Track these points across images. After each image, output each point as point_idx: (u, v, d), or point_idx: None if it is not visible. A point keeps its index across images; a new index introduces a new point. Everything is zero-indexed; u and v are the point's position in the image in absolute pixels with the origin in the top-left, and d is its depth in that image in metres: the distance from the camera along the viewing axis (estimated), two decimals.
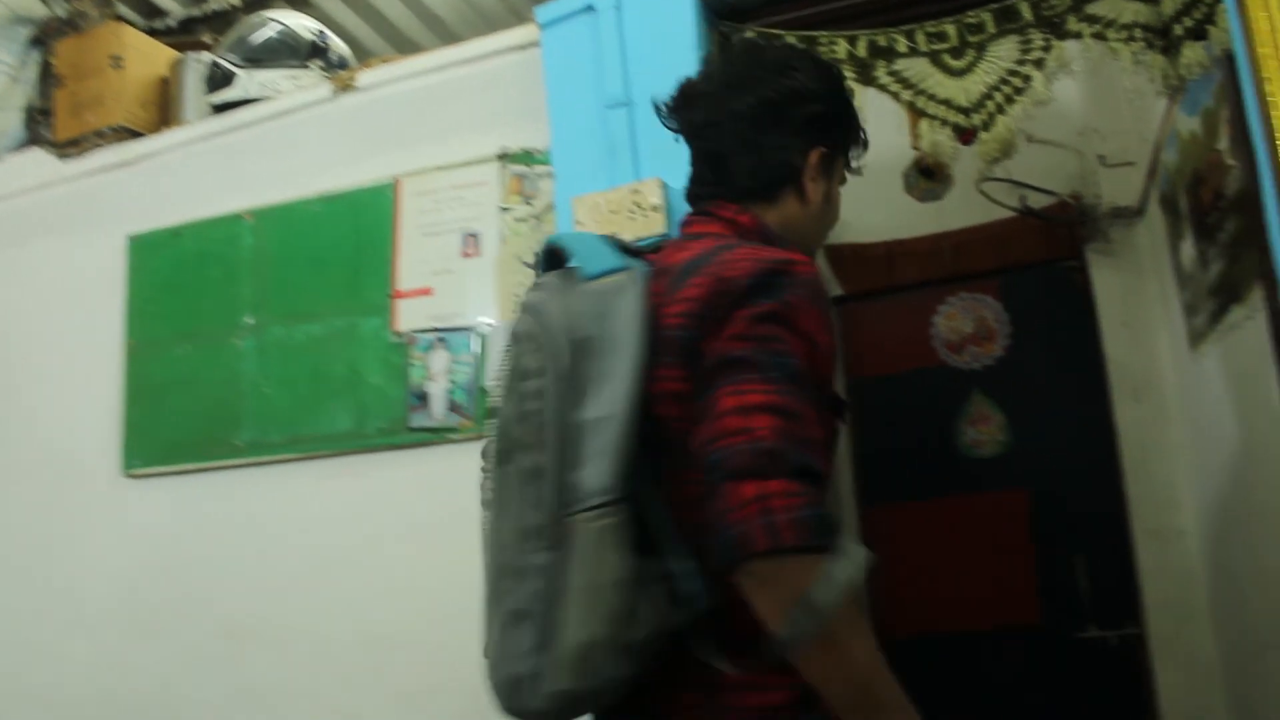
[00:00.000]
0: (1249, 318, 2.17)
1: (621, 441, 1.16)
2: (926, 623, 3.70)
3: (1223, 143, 2.15)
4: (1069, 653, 3.42)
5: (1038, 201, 3.59)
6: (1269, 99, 1.26)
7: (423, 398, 2.49)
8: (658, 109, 1.51)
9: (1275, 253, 1.49)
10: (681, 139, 1.49)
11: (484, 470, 1.32)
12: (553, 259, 1.38)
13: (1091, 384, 3.51)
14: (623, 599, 1.13)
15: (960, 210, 3.74)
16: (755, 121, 1.39)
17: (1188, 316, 2.83)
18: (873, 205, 3.91)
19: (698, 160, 1.47)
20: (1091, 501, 3.45)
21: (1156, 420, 3.39)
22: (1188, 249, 2.64)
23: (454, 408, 2.46)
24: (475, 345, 2.48)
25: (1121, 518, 3.39)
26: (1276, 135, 1.25)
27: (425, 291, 2.55)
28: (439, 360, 2.50)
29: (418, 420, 2.49)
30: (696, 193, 1.48)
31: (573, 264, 1.31)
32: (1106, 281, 3.55)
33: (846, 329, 3.96)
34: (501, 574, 1.22)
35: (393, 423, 2.52)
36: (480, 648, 1.27)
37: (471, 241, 2.53)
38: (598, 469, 1.15)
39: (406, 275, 2.57)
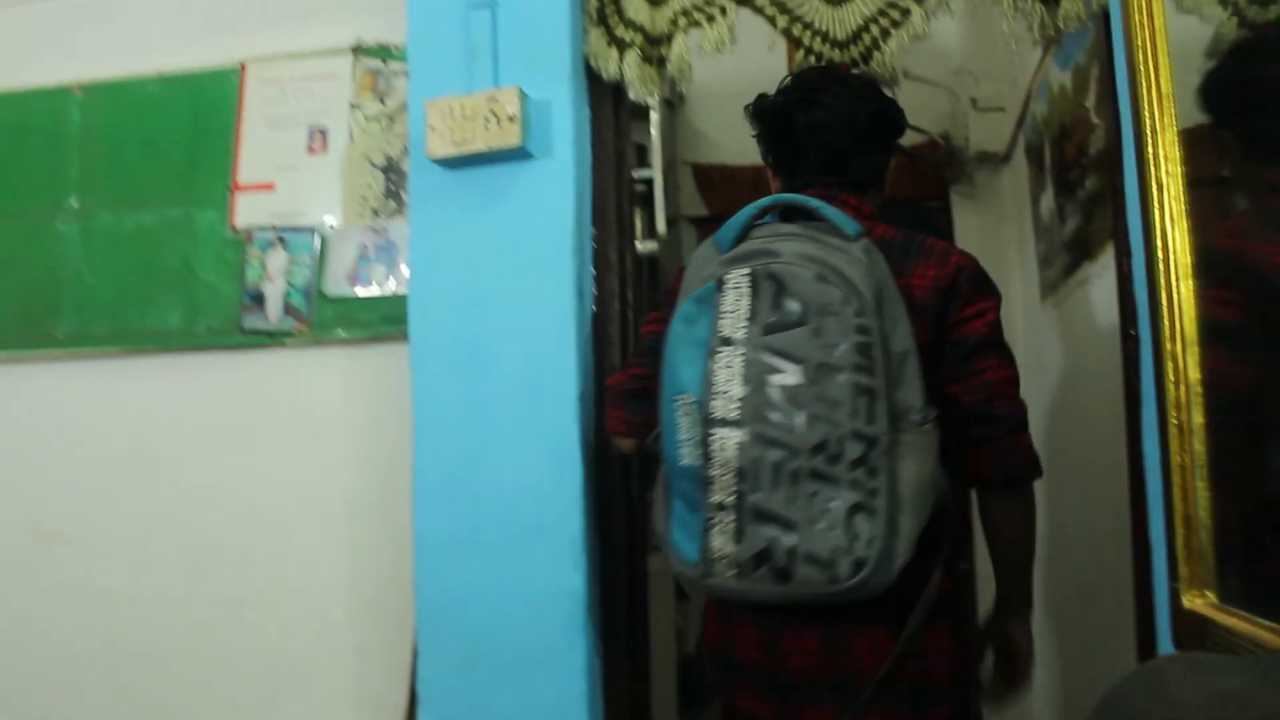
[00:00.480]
0: (1099, 275, 2.20)
1: (921, 370, 1.48)
2: None
3: (1090, 100, 2.15)
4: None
5: (908, 139, 3.58)
6: (1137, 65, 1.23)
7: (258, 298, 2.35)
8: (771, 100, 1.78)
9: (1129, 215, 1.48)
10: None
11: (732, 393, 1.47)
12: (787, 213, 1.62)
13: None
14: (935, 496, 1.49)
15: None
16: (870, 130, 1.72)
17: (1041, 267, 2.86)
18: (744, 128, 3.83)
19: (819, 146, 1.73)
20: None
21: None
22: (1048, 201, 2.66)
23: (290, 311, 2.33)
24: (316, 246, 2.34)
25: None
26: (1142, 101, 1.22)
27: (267, 186, 2.39)
28: (277, 260, 2.35)
29: (251, 322, 2.35)
30: (818, 176, 1.73)
31: (827, 221, 1.53)
32: (967, 224, 3.59)
33: None
34: (815, 478, 1.42)
35: (225, 323, 2.37)
36: (701, 550, 1.46)
37: (319, 137, 2.38)
38: (913, 391, 1.47)
39: (247, 168, 2.41)
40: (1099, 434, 2.31)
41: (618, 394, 1.76)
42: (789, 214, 1.61)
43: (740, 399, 1.45)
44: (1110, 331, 2.07)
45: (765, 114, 1.79)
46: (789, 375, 1.44)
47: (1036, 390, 3.11)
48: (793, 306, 1.46)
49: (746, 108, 1.82)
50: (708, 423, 1.46)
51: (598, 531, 1.92)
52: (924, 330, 1.56)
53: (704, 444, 1.46)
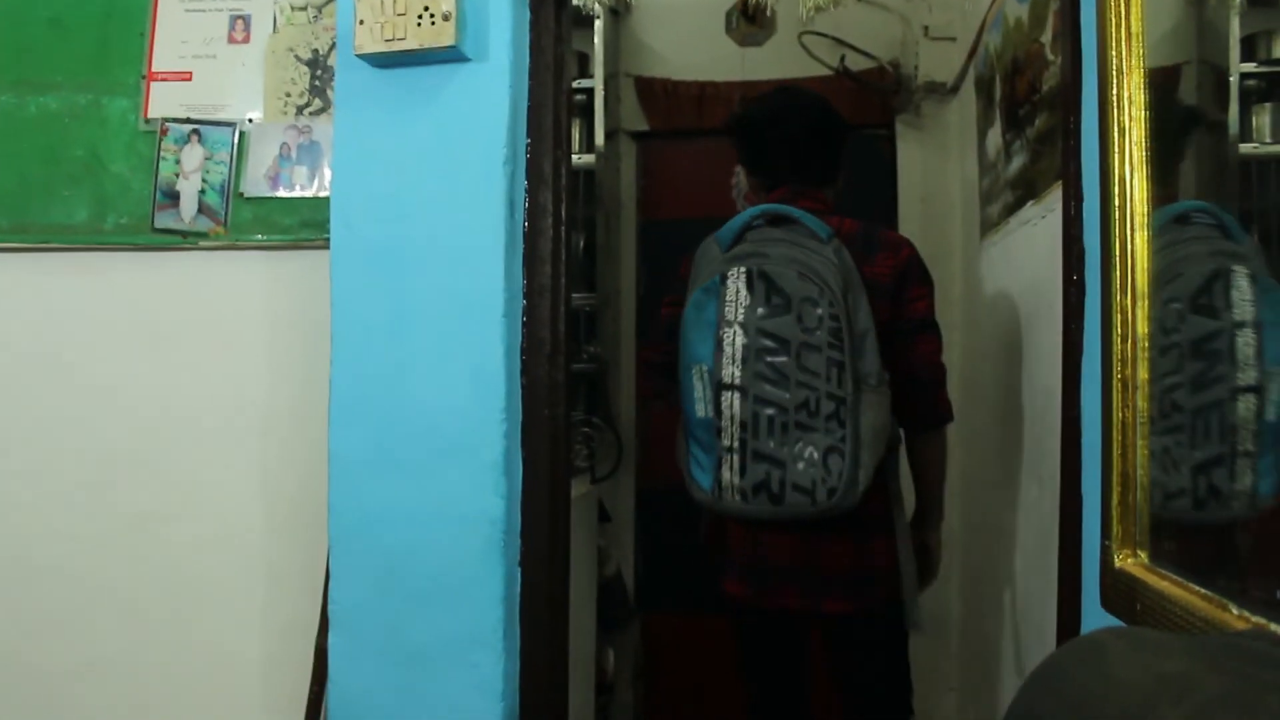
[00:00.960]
0: (1043, 217, 2.16)
1: (879, 343, 2.02)
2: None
3: (1046, 35, 2.09)
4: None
5: (856, 64, 3.51)
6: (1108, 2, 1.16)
7: (172, 196, 2.21)
8: (743, 117, 2.35)
9: (1084, 158, 1.43)
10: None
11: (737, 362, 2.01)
12: (773, 220, 2.09)
13: None
14: (886, 438, 2.06)
15: (778, 61, 3.63)
16: (831, 136, 2.29)
17: (983, 204, 2.83)
18: (691, 43, 3.76)
19: (785, 154, 2.26)
20: None
21: (939, 303, 3.44)
22: (995, 136, 2.61)
23: (205, 210, 2.20)
24: (235, 143, 2.21)
25: None
26: (1109, 38, 1.16)
27: (183, 76, 2.24)
28: (193, 156, 2.21)
29: (164, 220, 2.22)
30: (788, 178, 2.26)
31: (802, 225, 2.05)
32: (911, 155, 3.54)
33: (646, 167, 3.84)
34: (801, 428, 1.97)
35: (136, 220, 2.23)
36: (714, 478, 2.07)
37: (241, 25, 2.22)
38: (871, 360, 2.01)
39: (163, 55, 2.24)
40: (1032, 373, 2.30)
41: (649, 367, 2.43)
42: (775, 219, 2.08)
43: (742, 369, 1.99)
44: (1050, 274, 2.05)
45: (741, 131, 2.34)
46: (778, 353, 1.98)
47: (971, 324, 3.10)
48: (779, 299, 1.99)
49: (725, 124, 2.41)
50: (718, 386, 2.02)
51: (520, 455, 1.86)
52: (883, 308, 2.09)
53: (715, 402, 2.02)
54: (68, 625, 2.25)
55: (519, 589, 1.86)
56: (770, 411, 1.97)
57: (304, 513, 2.12)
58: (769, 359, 1.98)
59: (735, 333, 2.00)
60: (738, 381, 1.99)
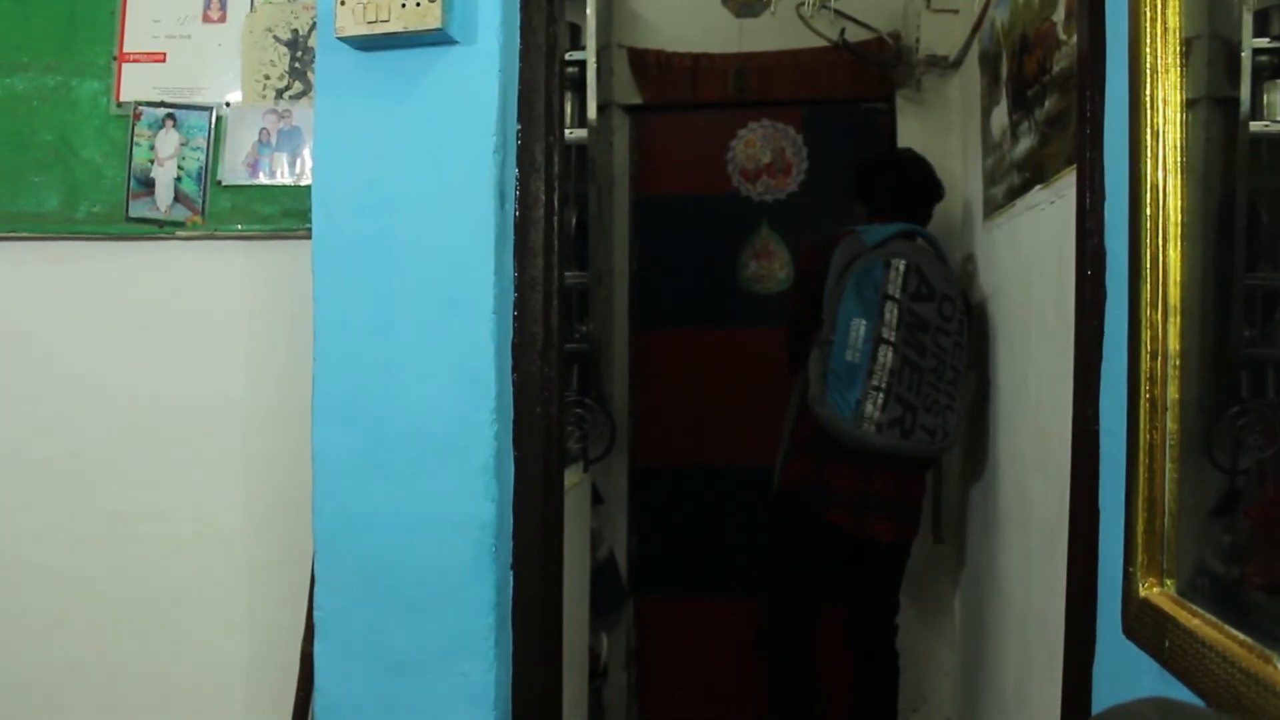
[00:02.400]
0: (1051, 202, 2.09)
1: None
2: (690, 453, 3.69)
3: (1059, 14, 2.00)
4: None
5: (855, 35, 3.42)
6: None
7: (147, 183, 2.12)
8: (877, 169, 3.04)
9: (1107, 153, 1.36)
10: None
11: (893, 329, 2.64)
12: (908, 235, 2.81)
13: None
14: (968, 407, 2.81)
15: (775, 32, 3.54)
16: (934, 188, 2.98)
17: (986, 185, 2.75)
18: (686, 13, 3.66)
19: (901, 199, 2.92)
20: None
21: None
22: (1000, 115, 2.53)
23: (181, 199, 2.11)
24: (212, 128, 2.11)
25: None
26: (1143, 38, 1.08)
27: (157, 57, 2.14)
28: (168, 141, 2.12)
29: (139, 209, 2.13)
30: (899, 215, 2.87)
31: (931, 246, 2.83)
32: (912, 130, 3.46)
33: (640, 141, 3.75)
34: (931, 386, 2.65)
35: (109, 209, 2.14)
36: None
37: (216, 3, 2.12)
38: (967, 350, 2.75)
39: (135, 34, 2.14)
40: (1038, 362, 2.24)
41: (798, 334, 2.92)
42: (909, 235, 2.80)
43: (896, 332, 2.62)
44: (1059, 262, 1.98)
45: (888, 177, 2.98)
46: (921, 329, 2.64)
47: (973, 307, 3.03)
48: (926, 289, 2.66)
49: (864, 169, 3.05)
50: (876, 340, 2.62)
51: (512, 455, 1.79)
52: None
53: (871, 352, 2.61)
54: (45, 627, 2.19)
55: (510, 595, 1.80)
56: (911, 369, 2.61)
57: (288, 512, 2.06)
58: (915, 331, 2.63)
59: (893, 305, 2.62)
60: (892, 339, 2.61)
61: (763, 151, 3.70)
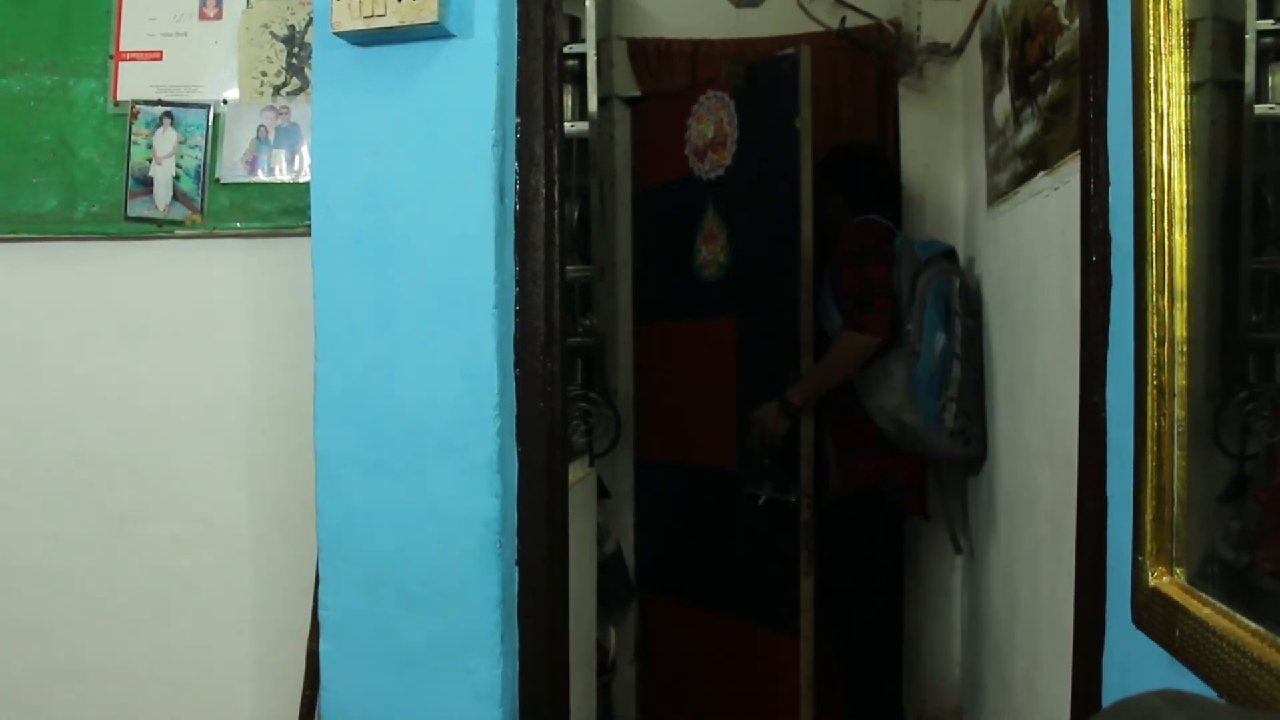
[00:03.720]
0: (1055, 188, 2.07)
1: None
2: (667, 450, 3.65)
3: None
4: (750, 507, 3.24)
5: (855, 22, 3.40)
6: None
7: (145, 182, 2.11)
8: (861, 160, 3.29)
9: (1111, 139, 1.34)
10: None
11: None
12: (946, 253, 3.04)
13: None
14: None
15: (775, 19, 3.52)
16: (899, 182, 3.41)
17: (990, 172, 2.74)
18: (686, 3, 3.63)
19: (882, 190, 3.25)
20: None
21: None
22: (1003, 102, 2.51)
23: (180, 197, 2.10)
24: (209, 126, 2.10)
25: None
26: (1146, 19, 1.06)
27: (154, 55, 2.13)
28: (166, 140, 2.11)
29: (138, 208, 2.12)
30: (881, 207, 3.17)
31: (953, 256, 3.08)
32: (914, 118, 3.44)
33: (640, 132, 3.73)
34: (979, 396, 2.85)
35: (108, 208, 2.13)
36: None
37: (212, 1, 2.11)
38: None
39: (131, 32, 2.13)
40: (1044, 349, 2.22)
41: (886, 312, 2.90)
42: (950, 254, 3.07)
43: (961, 347, 2.81)
44: (1063, 248, 1.96)
45: (874, 169, 3.25)
46: (972, 345, 2.85)
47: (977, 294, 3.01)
48: (974, 305, 2.90)
49: (842, 159, 3.23)
50: (950, 355, 2.81)
51: (515, 451, 1.78)
52: None
53: (948, 365, 2.80)
54: (50, 629, 2.18)
55: (516, 591, 1.79)
56: (970, 381, 2.82)
57: (292, 510, 2.05)
58: (969, 346, 2.84)
59: (958, 321, 2.82)
60: (960, 353, 2.81)
61: (708, 125, 3.43)
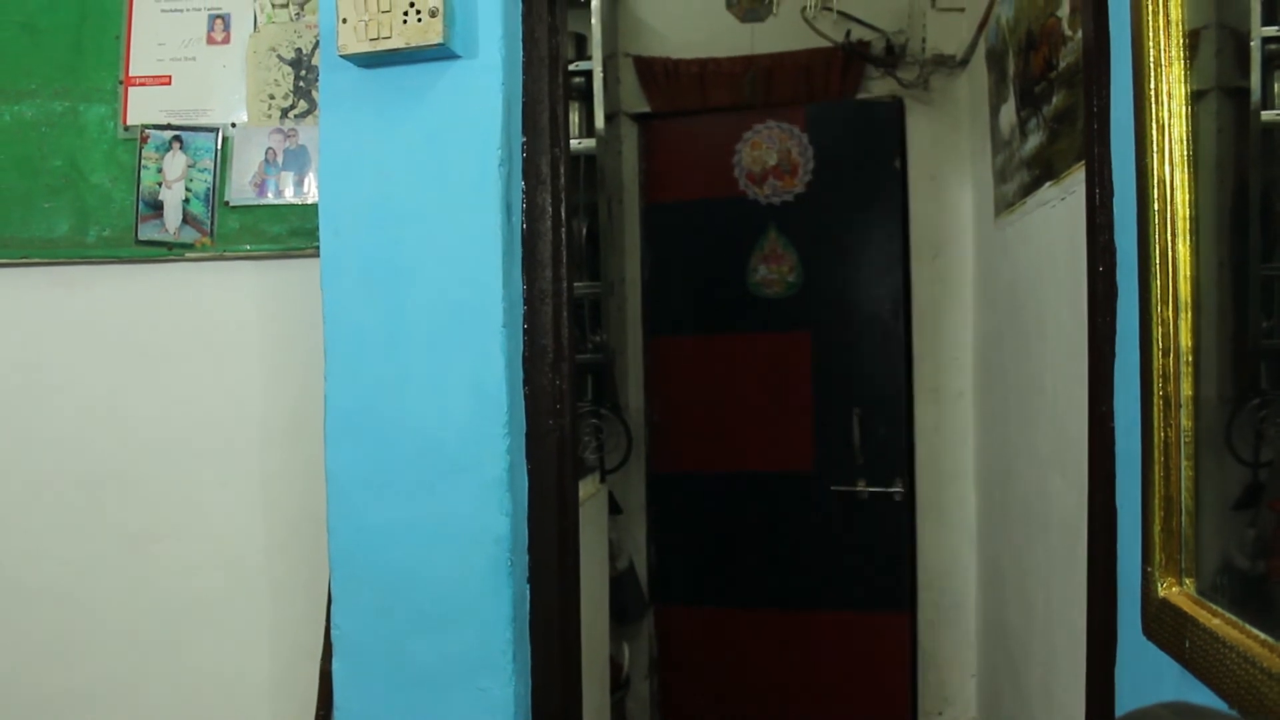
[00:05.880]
0: (1062, 198, 2.07)
1: None
2: (702, 461, 3.67)
3: (1064, 9, 1.99)
4: (837, 502, 3.46)
5: (860, 36, 3.41)
6: None
7: (155, 206, 2.13)
8: None
9: (1114, 150, 1.34)
10: None
11: None
12: None
13: (891, 234, 3.43)
14: None
15: (782, 35, 3.53)
16: None
17: (997, 182, 2.74)
18: (691, 19, 3.66)
19: None
20: (875, 353, 3.44)
21: (950, 279, 3.37)
22: (1008, 113, 2.51)
23: (190, 220, 2.12)
24: (218, 149, 2.12)
25: (906, 375, 3.40)
26: (1146, 31, 1.07)
27: (162, 80, 2.15)
28: (175, 163, 2.13)
29: (148, 232, 2.14)
30: None
31: None
32: (920, 130, 3.44)
33: (649, 149, 3.74)
34: None
35: (119, 232, 2.15)
36: None
37: (220, 25, 2.13)
38: None
39: (140, 58, 2.15)
40: (1053, 359, 2.22)
41: None
42: None
43: None
44: (1071, 259, 1.96)
45: None
46: None
47: (987, 305, 3.01)
48: None
49: None
50: None
51: (525, 468, 1.79)
52: None
53: None
54: (64, 650, 2.19)
55: (528, 608, 1.79)
56: None
57: (305, 530, 2.05)
58: None
59: None
60: None
61: (769, 153, 3.67)
